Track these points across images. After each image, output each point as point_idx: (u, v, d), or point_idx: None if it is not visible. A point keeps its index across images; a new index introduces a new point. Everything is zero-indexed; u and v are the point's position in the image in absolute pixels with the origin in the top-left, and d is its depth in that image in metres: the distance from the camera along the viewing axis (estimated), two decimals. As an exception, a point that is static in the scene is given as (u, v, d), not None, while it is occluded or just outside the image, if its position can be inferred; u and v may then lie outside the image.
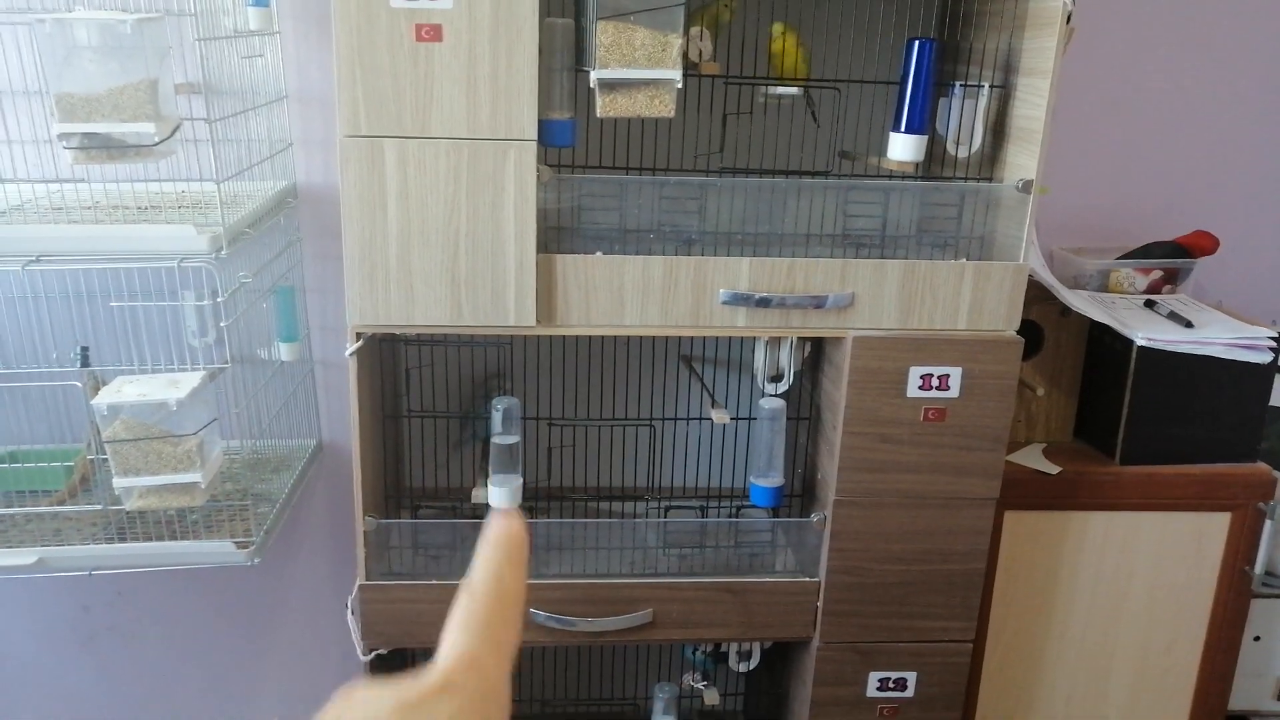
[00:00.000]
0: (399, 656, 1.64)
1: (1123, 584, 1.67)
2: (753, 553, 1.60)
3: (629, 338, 1.68)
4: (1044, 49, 1.35)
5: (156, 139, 1.21)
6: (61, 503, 1.51)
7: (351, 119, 1.26)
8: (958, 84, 1.45)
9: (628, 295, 1.37)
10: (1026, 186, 1.39)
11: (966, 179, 1.48)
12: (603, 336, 1.65)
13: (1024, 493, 1.59)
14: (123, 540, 1.47)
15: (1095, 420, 1.68)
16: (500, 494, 1.48)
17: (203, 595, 1.93)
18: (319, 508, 1.90)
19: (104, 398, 1.31)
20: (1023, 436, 1.71)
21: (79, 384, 1.41)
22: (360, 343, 1.36)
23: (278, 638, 1.99)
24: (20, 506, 1.53)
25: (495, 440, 1.48)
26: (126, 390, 1.34)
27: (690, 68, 1.34)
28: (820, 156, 1.60)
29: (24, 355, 1.69)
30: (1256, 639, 1.78)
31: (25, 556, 1.43)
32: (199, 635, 1.96)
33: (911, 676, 1.58)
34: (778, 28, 1.42)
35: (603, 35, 1.26)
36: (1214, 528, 1.65)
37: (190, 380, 1.36)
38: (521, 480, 1.49)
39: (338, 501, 1.89)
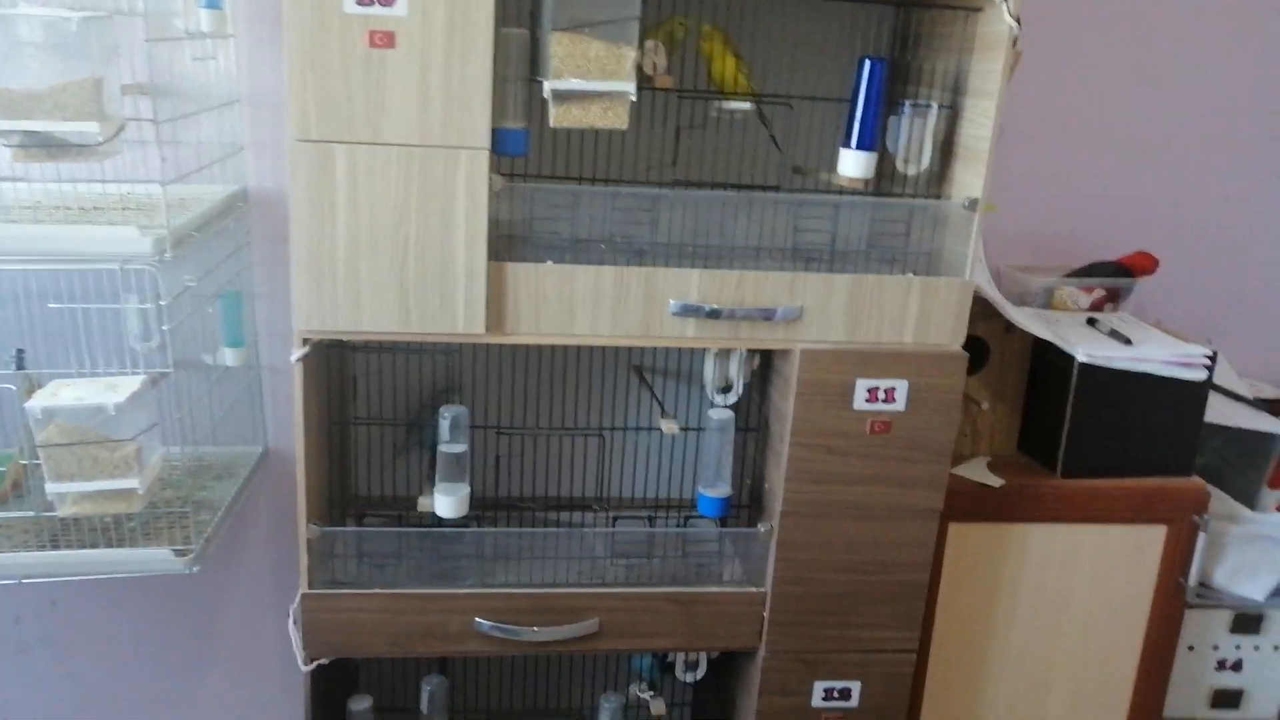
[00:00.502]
0: (340, 666, 1.63)
1: (1063, 595, 1.70)
2: (700, 563, 1.60)
3: (579, 347, 1.68)
4: (991, 71, 1.38)
5: (100, 139, 1.19)
6: (-8, 509, 1.47)
7: (302, 123, 1.24)
8: (907, 103, 1.47)
9: (578, 304, 1.37)
10: (972, 204, 1.41)
11: (915, 196, 1.51)
12: (553, 345, 1.65)
13: (968, 505, 1.62)
14: (55, 548, 1.44)
15: (1038, 434, 1.71)
16: (447, 503, 1.47)
17: (141, 605, 1.89)
18: (264, 515, 1.88)
19: (38, 400, 1.28)
20: (968, 449, 1.73)
21: (12, 387, 1.38)
22: (307, 349, 1.35)
23: (218, 647, 1.95)
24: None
25: (443, 449, 1.47)
26: (63, 394, 1.31)
27: (644, 81, 1.35)
28: (772, 171, 1.61)
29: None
30: (1190, 648, 1.82)
31: (-47, 563, 1.39)
32: (137, 646, 1.92)
33: (856, 686, 1.59)
34: (707, 28, 1.43)
35: (557, 46, 1.26)
36: (1151, 540, 1.69)
37: (129, 384, 1.34)
38: (469, 489, 1.48)
39: (283, 509, 1.86)
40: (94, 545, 1.43)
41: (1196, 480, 1.69)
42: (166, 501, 1.53)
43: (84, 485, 1.32)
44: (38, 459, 1.32)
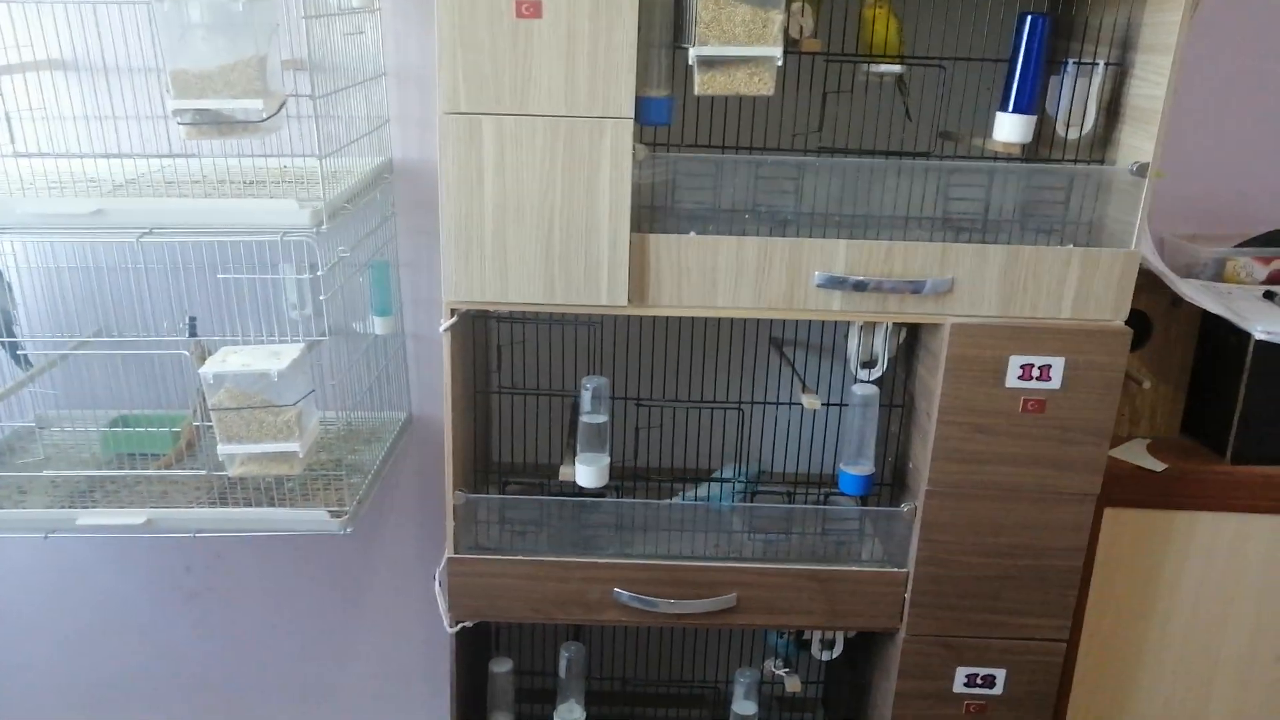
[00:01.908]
0: (482, 630, 1.67)
1: (1230, 588, 1.59)
2: (840, 540, 1.57)
3: (720, 319, 1.67)
4: (1167, 24, 1.29)
5: (264, 114, 1.24)
6: (168, 467, 1.57)
7: (451, 96, 1.26)
8: (1071, 61, 1.39)
9: (721, 276, 1.35)
10: (1142, 170, 1.33)
11: (1076, 161, 1.42)
12: (693, 318, 1.63)
13: (1126, 489, 1.54)
14: (224, 505, 1.52)
15: (1205, 416, 1.60)
16: (588, 473, 1.48)
17: (296, 560, 1.99)
18: (407, 479, 1.94)
19: (210, 366, 1.35)
20: (1126, 431, 1.64)
21: (186, 352, 1.46)
22: (454, 319, 1.38)
23: (366, 605, 2.04)
24: (130, 469, 1.60)
25: (584, 419, 1.48)
26: (231, 360, 1.38)
27: (790, 44, 1.31)
28: (922, 137, 1.55)
29: (127, 323, 1.75)
30: (1373, 651, 1.68)
31: (136, 517, 1.49)
32: (291, 599, 2.03)
33: (1000, 674, 1.54)
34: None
35: (703, 11, 1.24)
36: (1331, 533, 1.57)
37: (291, 352, 1.39)
38: (609, 459, 1.50)
39: (426, 474, 1.93)
40: (257, 504, 1.51)
41: (1385, 469, 1.55)
42: (321, 464, 1.60)
43: (250, 447, 1.38)
44: (209, 421, 1.40)
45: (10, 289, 1.61)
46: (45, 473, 1.57)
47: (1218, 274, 1.71)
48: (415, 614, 2.03)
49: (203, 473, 1.52)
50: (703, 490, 1.62)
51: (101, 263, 1.73)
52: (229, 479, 1.47)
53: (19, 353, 1.63)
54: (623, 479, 1.66)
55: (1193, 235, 1.79)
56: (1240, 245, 1.73)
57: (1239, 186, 1.83)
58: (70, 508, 1.52)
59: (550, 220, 1.32)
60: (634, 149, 1.29)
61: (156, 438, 1.63)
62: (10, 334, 1.60)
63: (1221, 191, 1.83)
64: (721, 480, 1.61)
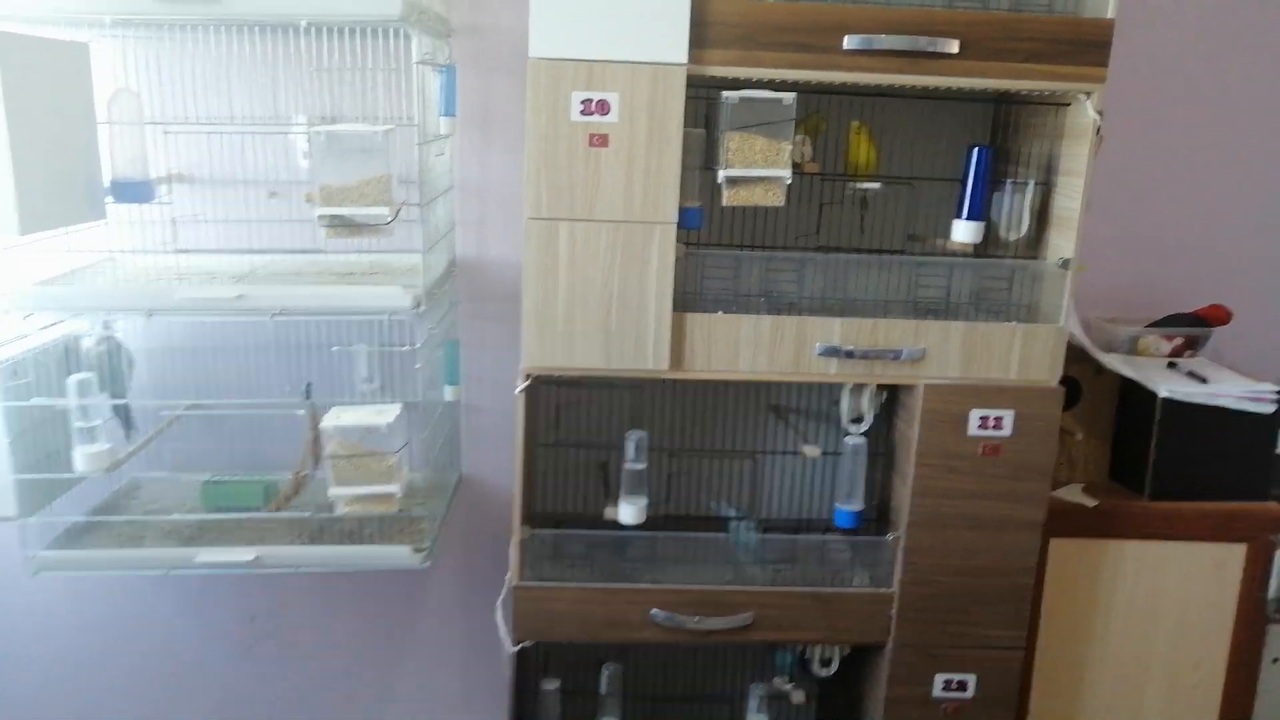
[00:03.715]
0: (531, 654, 1.94)
1: (1154, 605, 1.94)
2: (836, 567, 1.89)
3: (736, 385, 2.01)
4: (1078, 154, 1.69)
5: (388, 219, 1.58)
6: (278, 509, 1.84)
7: (535, 205, 1.61)
8: (1009, 181, 1.79)
9: (742, 346, 1.70)
10: (1065, 264, 1.71)
11: (1016, 257, 1.82)
12: (714, 382, 1.98)
13: (1067, 523, 1.88)
14: (315, 544, 1.79)
15: (1127, 462, 1.97)
16: (630, 511, 1.79)
17: (357, 601, 2.24)
18: (455, 531, 2.22)
19: (329, 421, 1.65)
20: (1065, 475, 2.00)
21: (301, 412, 1.75)
22: (528, 381, 1.70)
23: (419, 640, 2.28)
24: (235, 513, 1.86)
25: (628, 466, 1.80)
26: (344, 417, 1.68)
27: (795, 167, 1.70)
28: (897, 238, 1.94)
29: (221, 394, 2.04)
30: (1276, 660, 2.02)
31: (246, 554, 1.76)
32: (351, 638, 2.26)
33: (972, 678, 1.85)
34: (855, 124, 1.78)
35: (730, 142, 1.62)
36: (1232, 557, 1.93)
37: (392, 410, 1.70)
38: (647, 500, 1.81)
39: (472, 526, 2.21)
40: (346, 544, 1.79)
41: (1273, 504, 1.92)
42: (399, 504, 1.88)
43: (358, 489, 1.67)
44: (315, 471, 1.69)
45: (132, 363, 1.90)
46: (172, 515, 1.83)
47: (1132, 349, 2.10)
48: (468, 643, 2.28)
49: (308, 515, 1.80)
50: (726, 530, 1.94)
51: (200, 343, 2.02)
52: (319, 525, 1.74)
53: (124, 409, 1.89)
54: (656, 516, 1.97)
55: (1113, 318, 2.20)
56: (1149, 325, 2.13)
57: (1147, 277, 2.25)
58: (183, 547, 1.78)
59: (609, 302, 1.66)
60: (675, 247, 1.65)
61: (249, 493, 1.89)
62: (123, 397, 1.88)
63: (1133, 282, 2.25)
64: (737, 518, 1.93)
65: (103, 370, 1.77)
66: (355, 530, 1.85)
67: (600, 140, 1.59)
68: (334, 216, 1.57)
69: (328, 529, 1.83)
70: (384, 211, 1.57)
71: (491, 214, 2.05)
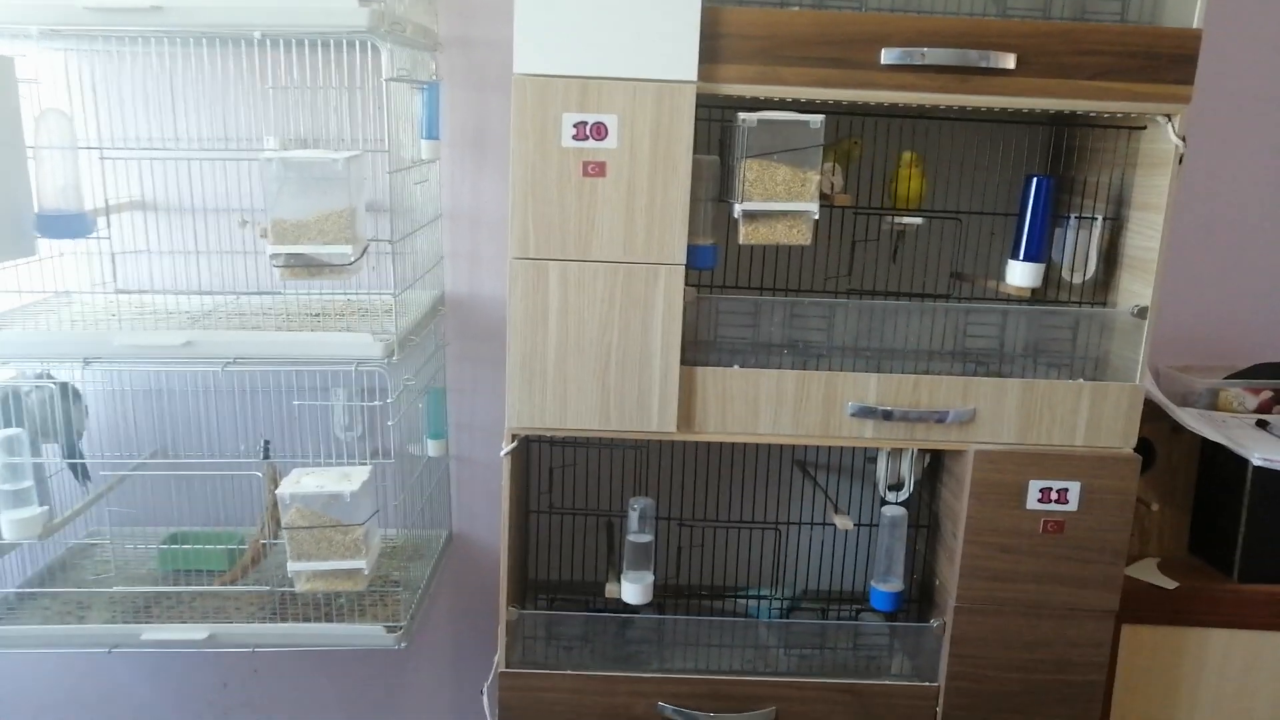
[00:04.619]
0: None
1: (1246, 703, 1.67)
2: (871, 655, 1.65)
3: (757, 444, 1.78)
4: (1157, 186, 1.45)
5: (352, 258, 1.37)
6: (233, 582, 1.64)
7: (521, 242, 1.40)
8: (1073, 215, 1.54)
9: (762, 405, 1.47)
10: (1142, 313, 1.47)
11: (1080, 303, 1.57)
12: (734, 444, 1.75)
13: (1141, 607, 1.63)
14: (281, 620, 1.59)
15: (1210, 536, 1.71)
16: (634, 590, 1.57)
17: (334, 674, 2.04)
18: (444, 596, 2.01)
19: (286, 488, 1.45)
20: (1136, 550, 1.74)
21: (259, 474, 1.55)
22: (515, 444, 1.48)
23: (401, 715, 2.08)
24: (188, 584, 1.67)
25: (631, 538, 1.57)
26: (305, 481, 1.47)
27: (824, 200, 1.47)
28: (941, 279, 1.70)
29: (190, 444, 1.85)
30: (1383, 767, 1.75)
31: (198, 632, 1.55)
32: (326, 714, 2.06)
33: (1029, 789, 1.60)
34: (907, 156, 1.54)
35: (748, 171, 1.39)
36: (1335, 649, 1.66)
37: (360, 474, 1.49)
38: (653, 577, 1.58)
39: (463, 590, 1.99)
40: (314, 619, 1.58)
41: (1383, 588, 1.65)
42: (373, 581, 1.68)
43: (319, 564, 1.46)
44: (276, 539, 1.48)
45: (86, 411, 1.71)
46: (115, 589, 1.64)
47: (1211, 403, 1.84)
48: (453, 728, 2.07)
49: (266, 589, 1.60)
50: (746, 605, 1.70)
51: (166, 386, 1.83)
52: (283, 595, 1.54)
53: (79, 464, 1.71)
54: (664, 596, 1.74)
55: (1185, 366, 1.93)
56: (1230, 376, 1.87)
57: (1225, 321, 1.98)
58: (133, 623, 1.58)
59: (608, 354, 1.44)
60: (684, 291, 1.42)
61: (211, 555, 1.70)
62: (75, 453, 1.70)
63: (1209, 325, 1.98)
64: (760, 598, 1.69)
65: (47, 420, 1.58)
66: (325, 602, 1.64)
67: (596, 169, 1.38)
68: (290, 255, 1.36)
69: (293, 601, 1.62)
70: (346, 250, 1.36)
71: (485, 246, 1.85)
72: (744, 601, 1.72)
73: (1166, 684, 1.67)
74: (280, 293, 1.67)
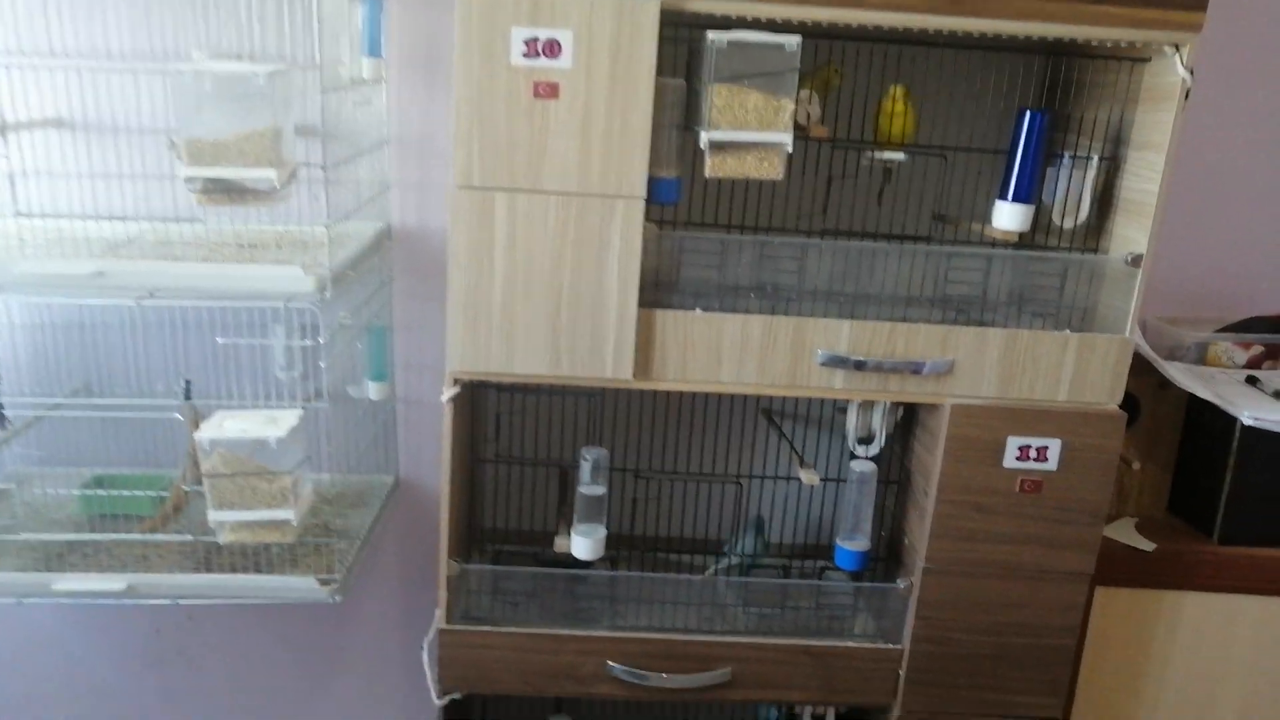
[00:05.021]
0: (469, 699, 1.64)
1: (1220, 668, 1.61)
2: (833, 615, 1.57)
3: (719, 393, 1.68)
4: (1159, 123, 1.34)
5: (277, 184, 1.24)
6: (153, 530, 1.53)
7: (465, 170, 1.27)
8: (1066, 154, 1.43)
9: (725, 353, 1.37)
10: (1136, 261, 1.37)
11: (1071, 249, 1.46)
12: (695, 393, 1.64)
13: (1117, 568, 1.56)
14: (208, 570, 1.49)
15: (1192, 496, 1.63)
16: (584, 545, 1.48)
17: (273, 626, 1.95)
18: (392, 544, 1.91)
19: (206, 432, 1.33)
20: (1114, 509, 1.67)
21: (180, 416, 1.43)
22: (457, 389, 1.37)
23: (346, 672, 1.99)
24: (112, 531, 1.56)
25: (582, 490, 1.47)
26: (227, 425, 1.36)
27: (799, 131, 1.34)
28: (922, 220, 1.59)
29: (115, 380, 1.72)
30: (1352, 732, 1.71)
31: (115, 582, 1.45)
32: (265, 667, 1.97)
33: (993, 754, 1.54)
34: (896, 89, 1.41)
35: (716, 97, 1.26)
36: (1314, 614, 1.60)
37: (288, 418, 1.38)
38: (606, 532, 1.49)
39: (412, 538, 1.90)
40: (243, 570, 1.48)
41: (1366, 552, 1.59)
42: (308, 529, 1.58)
43: (243, 514, 1.36)
44: (200, 485, 1.37)
45: (-5, 345, 1.58)
46: (21, 535, 1.53)
47: (1200, 357, 1.75)
48: (396, 682, 1.98)
49: (189, 539, 1.49)
50: (722, 563, 1.62)
51: (91, 320, 1.70)
52: (210, 544, 1.43)
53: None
54: (618, 549, 1.65)
55: (1173, 318, 1.84)
56: (1220, 330, 1.78)
57: (1217, 272, 1.88)
58: (46, 571, 1.48)
59: (559, 294, 1.32)
60: (644, 227, 1.30)
61: (137, 500, 1.59)
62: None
63: (1202, 276, 1.88)
64: (734, 554, 1.60)
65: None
66: (259, 552, 1.54)
67: (548, 90, 1.24)
68: (209, 180, 1.23)
69: (221, 551, 1.51)
70: (269, 174, 1.23)
71: (435, 175, 1.71)
72: (700, 558, 1.63)
73: (1138, 648, 1.60)
74: (209, 222, 1.53)
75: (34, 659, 1.95)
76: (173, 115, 1.19)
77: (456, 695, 1.52)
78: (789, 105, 1.27)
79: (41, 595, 1.45)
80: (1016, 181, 1.39)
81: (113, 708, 1.99)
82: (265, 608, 1.92)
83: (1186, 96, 1.30)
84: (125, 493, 1.59)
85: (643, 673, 1.48)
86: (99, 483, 1.66)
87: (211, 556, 1.51)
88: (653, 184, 1.30)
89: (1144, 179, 1.36)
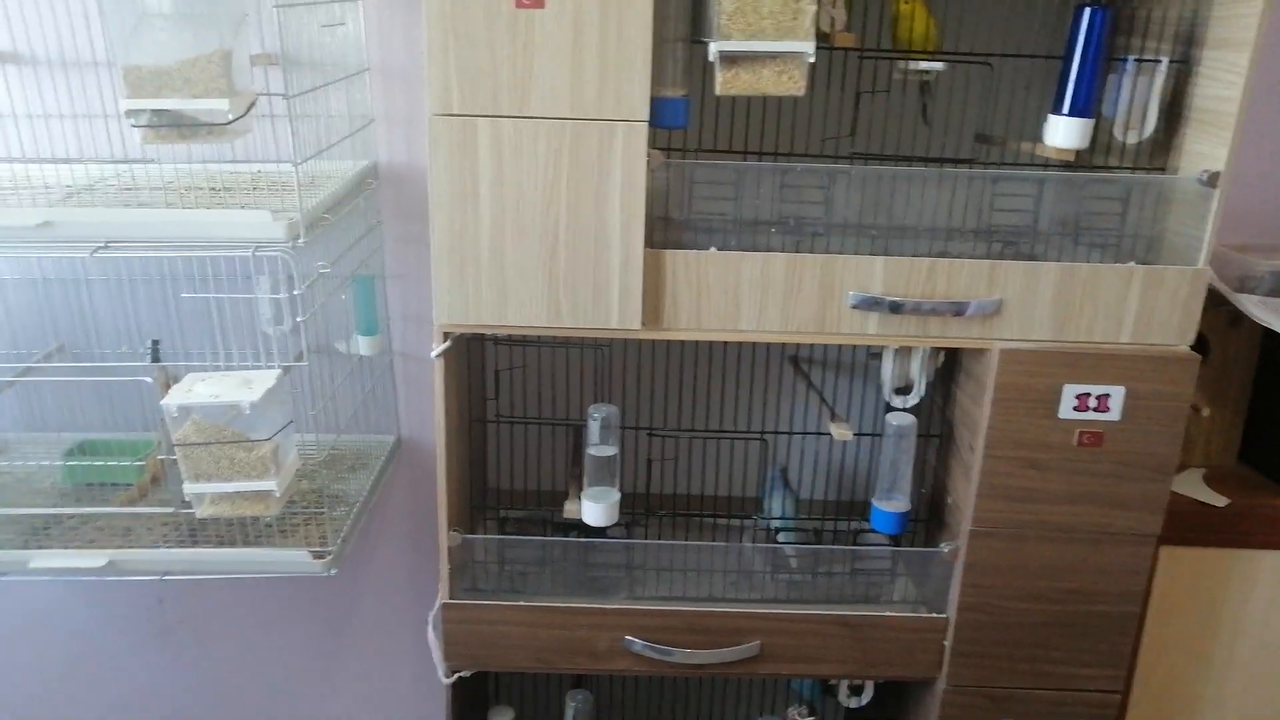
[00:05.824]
0: (481, 679, 1.54)
1: (1296, 633, 1.47)
2: (871, 581, 1.44)
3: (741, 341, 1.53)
4: (1242, 17, 1.15)
5: (230, 116, 1.10)
6: (132, 502, 1.43)
7: (442, 95, 1.12)
8: (1130, 59, 1.25)
9: (744, 296, 1.22)
10: (1213, 180, 1.19)
11: (1135, 169, 1.29)
12: (711, 341, 1.50)
13: (1183, 526, 1.41)
14: (194, 543, 1.38)
15: (1266, 444, 1.47)
16: (595, 510, 1.35)
17: (278, 595, 1.85)
18: (397, 507, 1.80)
19: (174, 398, 1.21)
20: (1181, 459, 1.51)
21: (149, 379, 1.32)
22: (448, 344, 1.24)
23: (351, 644, 1.90)
24: (90, 504, 1.46)
25: (591, 452, 1.34)
26: (198, 389, 1.23)
27: (822, 39, 1.18)
28: (964, 141, 1.41)
29: (94, 340, 1.61)
30: None
31: (96, 559, 1.35)
32: (270, 636, 1.89)
33: (1046, 727, 1.41)
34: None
35: (727, 2, 1.10)
36: (1404, 571, 1.44)
37: (265, 380, 1.25)
38: (619, 495, 1.36)
39: (417, 501, 1.79)
40: (231, 542, 1.38)
41: None
42: (302, 494, 1.47)
43: (221, 486, 1.24)
44: (175, 454, 1.26)
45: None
46: (3, 511, 1.43)
47: (1275, 289, 1.57)
48: (406, 655, 1.89)
49: (169, 510, 1.38)
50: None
51: (54, 275, 1.58)
52: (192, 516, 1.33)
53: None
54: (634, 513, 1.52)
55: (1242, 245, 1.66)
56: (1299, 257, 1.59)
57: (1295, 192, 1.69)
58: (24, 548, 1.38)
59: (555, 234, 1.18)
60: (648, 155, 1.15)
61: (121, 469, 1.49)
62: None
63: (1276, 197, 1.69)
64: (770, 518, 1.47)
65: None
66: (250, 521, 1.43)
67: (534, -2, 1.08)
68: (154, 113, 1.09)
69: (212, 522, 1.41)
70: (221, 105, 1.08)
71: (423, 107, 1.55)
72: (724, 521, 1.50)
73: (1207, 612, 1.46)
74: (175, 163, 1.39)
75: (38, 629, 1.88)
76: (107, 40, 1.05)
77: (464, 673, 1.41)
78: (810, 8, 1.10)
79: (18, 573, 1.35)
80: (1074, 91, 1.22)
81: (118, 678, 1.92)
82: (269, 578, 1.82)
83: (1275, -16, 1.12)
84: (111, 461, 1.48)
85: (664, 647, 1.37)
86: (82, 449, 1.56)
87: (197, 529, 1.41)
88: (656, 105, 1.14)
89: (1221, 84, 1.18)
